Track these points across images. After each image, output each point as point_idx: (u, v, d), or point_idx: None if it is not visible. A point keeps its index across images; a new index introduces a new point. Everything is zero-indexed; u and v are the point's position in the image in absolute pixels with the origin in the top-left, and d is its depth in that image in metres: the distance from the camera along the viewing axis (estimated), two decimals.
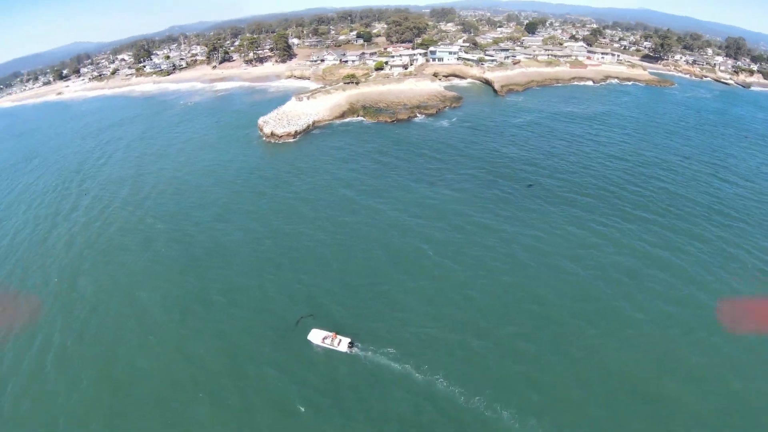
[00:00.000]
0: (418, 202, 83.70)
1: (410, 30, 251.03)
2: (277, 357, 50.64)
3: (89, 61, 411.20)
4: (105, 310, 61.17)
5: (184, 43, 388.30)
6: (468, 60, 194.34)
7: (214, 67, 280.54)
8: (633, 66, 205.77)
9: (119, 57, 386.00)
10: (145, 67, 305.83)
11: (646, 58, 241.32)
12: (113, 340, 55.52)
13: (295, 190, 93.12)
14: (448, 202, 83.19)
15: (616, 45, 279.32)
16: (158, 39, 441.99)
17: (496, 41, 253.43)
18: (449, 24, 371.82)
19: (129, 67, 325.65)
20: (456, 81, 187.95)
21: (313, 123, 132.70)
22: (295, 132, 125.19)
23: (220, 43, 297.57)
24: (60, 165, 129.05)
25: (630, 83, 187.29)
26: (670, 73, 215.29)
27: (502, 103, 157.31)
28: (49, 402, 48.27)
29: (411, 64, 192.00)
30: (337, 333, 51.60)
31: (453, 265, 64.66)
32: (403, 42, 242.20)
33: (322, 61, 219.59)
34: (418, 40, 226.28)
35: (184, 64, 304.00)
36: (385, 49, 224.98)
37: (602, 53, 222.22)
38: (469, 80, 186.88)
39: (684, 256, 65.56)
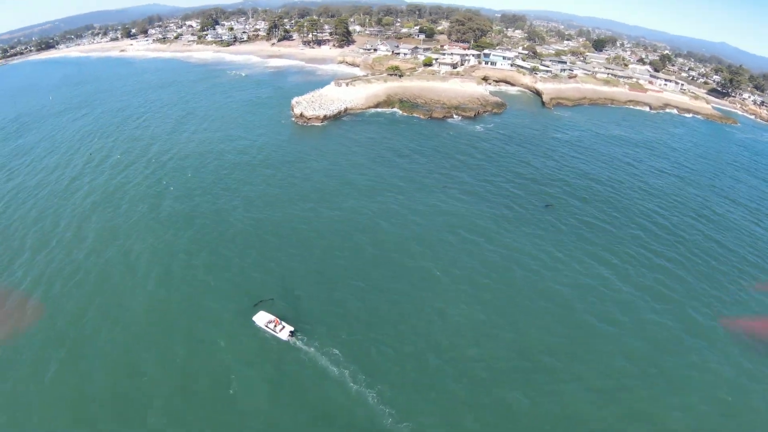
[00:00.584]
0: (424, 203, 79.04)
1: (472, 31, 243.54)
2: (231, 330, 49.77)
3: (160, 23, 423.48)
4: (98, 256, 63.82)
5: (252, 17, 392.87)
6: (521, 67, 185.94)
7: (273, 44, 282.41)
8: (696, 98, 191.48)
9: (187, 23, 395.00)
10: (207, 35, 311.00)
11: (712, 92, 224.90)
12: (98, 283, 58.28)
13: (303, 173, 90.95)
14: (455, 208, 78.01)
15: (684, 74, 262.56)
16: (229, 11, 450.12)
17: (558, 53, 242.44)
18: (517, 31, 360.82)
19: (192, 34, 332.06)
20: (505, 87, 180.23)
21: (345, 109, 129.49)
22: (324, 116, 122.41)
23: (281, 21, 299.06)
24: (104, 118, 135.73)
25: (689, 115, 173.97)
26: (735, 111, 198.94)
27: (547, 116, 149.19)
28: None
29: (461, 64, 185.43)
30: (281, 319, 49.44)
31: (439, 274, 59.82)
32: (462, 42, 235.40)
33: (375, 50, 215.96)
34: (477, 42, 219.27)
35: (245, 37, 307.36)
36: (442, 46, 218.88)
37: (665, 80, 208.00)
38: (519, 88, 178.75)
39: (699, 307, 58.15)
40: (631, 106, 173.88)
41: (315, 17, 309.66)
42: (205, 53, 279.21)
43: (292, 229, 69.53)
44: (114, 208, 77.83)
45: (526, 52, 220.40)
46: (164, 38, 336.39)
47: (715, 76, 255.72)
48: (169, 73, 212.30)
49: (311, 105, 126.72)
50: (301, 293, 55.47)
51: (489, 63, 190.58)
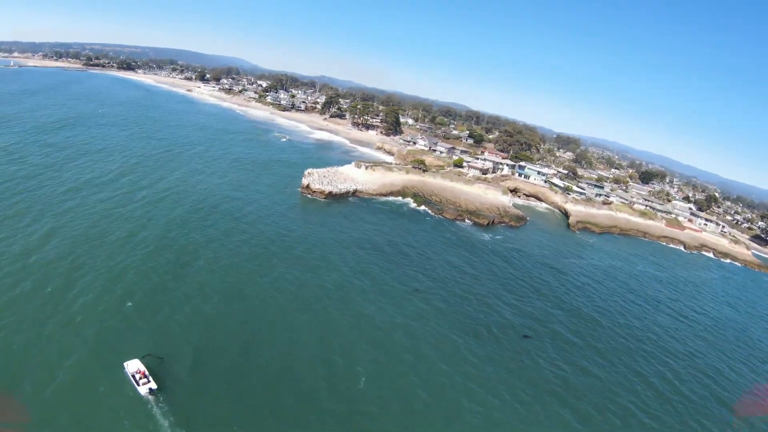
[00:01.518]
0: (387, 302, 69.39)
1: (519, 144, 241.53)
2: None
3: (235, 76, 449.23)
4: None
5: (319, 91, 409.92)
6: (555, 185, 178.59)
7: (325, 118, 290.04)
8: (736, 242, 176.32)
9: (258, 82, 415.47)
10: (267, 96, 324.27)
11: (755, 238, 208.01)
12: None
13: (279, 239, 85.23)
14: (416, 317, 67.77)
15: (728, 217, 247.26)
16: (301, 80, 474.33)
17: (599, 178, 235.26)
18: (567, 153, 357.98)
19: (254, 92, 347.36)
20: (534, 203, 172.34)
21: (355, 191, 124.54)
22: (330, 192, 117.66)
23: (336, 99, 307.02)
24: (136, 140, 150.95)
25: (727, 260, 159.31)
26: None
27: (569, 238, 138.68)
28: None
29: (493, 172, 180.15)
30: (148, 374, 45.07)
31: (362, 387, 49.31)
32: (504, 152, 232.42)
33: (414, 143, 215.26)
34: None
35: (303, 107, 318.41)
36: (482, 152, 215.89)
37: (706, 219, 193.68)
38: (548, 206, 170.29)
39: None
40: (665, 243, 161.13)
41: (369, 102, 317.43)
42: (261, 112, 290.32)
43: (234, 290, 63.16)
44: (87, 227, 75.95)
45: (566, 171, 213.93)
46: (230, 89, 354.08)
47: (760, 222, 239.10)
48: (218, 119, 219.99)
49: (322, 179, 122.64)
50: (204, 358, 49.14)
51: (522, 175, 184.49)
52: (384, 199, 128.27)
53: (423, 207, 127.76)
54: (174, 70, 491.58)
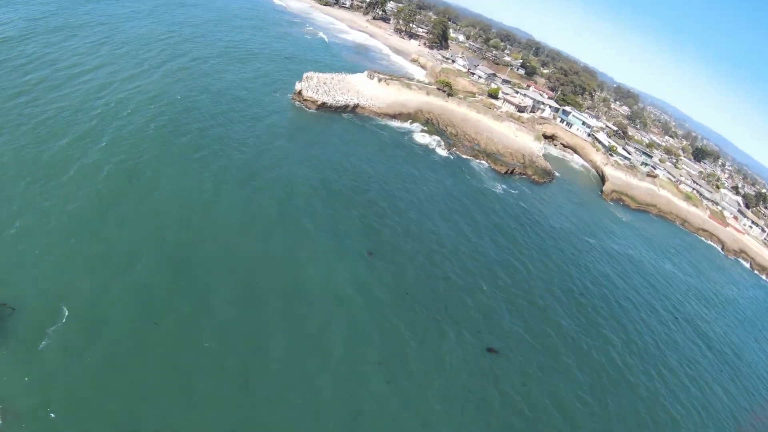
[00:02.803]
0: (326, 270, 50.25)
1: (573, 85, 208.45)
2: None
3: None
4: None
5: None
6: (598, 141, 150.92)
7: (368, 19, 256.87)
8: None
9: None
10: None
11: None
12: None
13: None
14: (363, 292, 48.85)
15: None
16: None
17: (650, 144, 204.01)
18: (623, 107, 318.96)
19: None
20: (569, 156, 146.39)
21: (356, 106, 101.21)
22: (323, 103, 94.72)
23: (381, 1, 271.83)
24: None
25: (764, 276, 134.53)
26: None
27: (599, 210, 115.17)
28: None
29: (532, 111, 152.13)
30: None
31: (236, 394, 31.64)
32: (552, 90, 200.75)
33: (453, 61, 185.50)
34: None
35: (348, 3, 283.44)
36: (528, 86, 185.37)
37: (753, 222, 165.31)
38: (584, 163, 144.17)
39: None
40: (703, 237, 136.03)
41: (412, 8, 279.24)
42: (301, 3, 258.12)
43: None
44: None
45: (615, 128, 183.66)
46: None
47: None
48: (253, 9, 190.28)
49: (319, 86, 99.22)
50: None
51: (565, 122, 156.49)
52: (387, 122, 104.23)
53: (434, 138, 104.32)
54: None
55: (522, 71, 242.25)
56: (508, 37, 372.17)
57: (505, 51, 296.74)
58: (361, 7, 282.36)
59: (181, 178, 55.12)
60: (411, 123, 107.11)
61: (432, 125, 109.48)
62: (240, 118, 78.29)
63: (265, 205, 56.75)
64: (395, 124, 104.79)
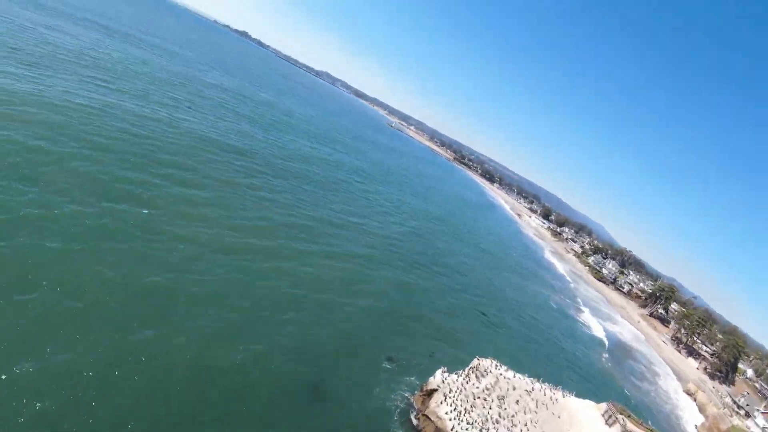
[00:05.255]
0: None
1: None
2: None
3: (584, 237, 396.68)
4: None
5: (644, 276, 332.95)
6: None
7: (643, 314, 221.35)
8: None
9: (587, 239, 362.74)
10: (590, 257, 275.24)
11: None
12: None
13: None
14: None
15: None
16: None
17: None
18: None
19: (581, 246, 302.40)
20: None
21: None
22: None
23: (667, 297, 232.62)
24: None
25: None
26: None
27: None
28: None
29: None
30: None
31: None
32: None
33: (748, 415, 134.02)
34: None
35: (626, 288, 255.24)
36: None
37: None
38: None
39: None
40: None
41: (704, 318, 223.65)
42: (567, 265, 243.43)
43: None
44: None
45: None
46: (558, 233, 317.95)
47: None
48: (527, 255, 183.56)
49: (468, 401, 48.65)
50: None
51: None
52: None
53: None
54: (523, 197, 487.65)
55: None
56: None
57: None
58: (640, 297, 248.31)
59: None
60: None
61: None
62: None
63: None
64: None
